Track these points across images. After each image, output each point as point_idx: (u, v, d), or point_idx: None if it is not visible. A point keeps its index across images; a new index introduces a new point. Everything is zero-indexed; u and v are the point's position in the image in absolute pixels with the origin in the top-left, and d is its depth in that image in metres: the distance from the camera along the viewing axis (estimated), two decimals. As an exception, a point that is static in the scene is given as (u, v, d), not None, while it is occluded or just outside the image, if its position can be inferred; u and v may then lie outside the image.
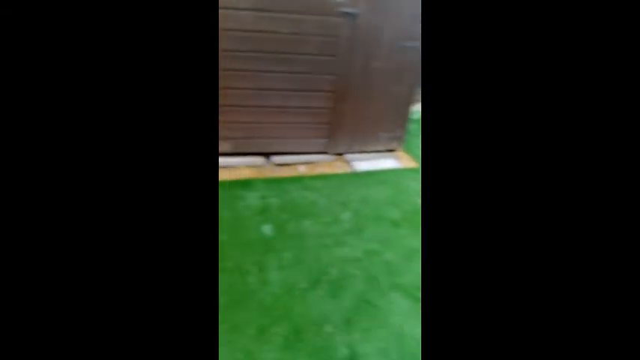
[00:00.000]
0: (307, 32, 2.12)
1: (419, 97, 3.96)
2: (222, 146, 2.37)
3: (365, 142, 2.68)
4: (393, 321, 1.41)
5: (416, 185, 2.44)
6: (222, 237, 1.76)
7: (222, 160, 2.39)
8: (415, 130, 3.39)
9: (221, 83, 2.14)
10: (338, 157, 2.67)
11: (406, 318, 1.43)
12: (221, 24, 1.95)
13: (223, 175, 2.30)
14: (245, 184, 2.22)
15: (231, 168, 2.40)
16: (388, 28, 2.30)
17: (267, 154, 2.51)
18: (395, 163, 2.72)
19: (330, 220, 1.98)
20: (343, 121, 2.51)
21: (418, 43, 2.41)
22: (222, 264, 1.60)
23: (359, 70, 2.35)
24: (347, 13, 2.12)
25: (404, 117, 2.70)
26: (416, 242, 1.88)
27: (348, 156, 2.67)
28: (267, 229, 1.86)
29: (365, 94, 2.47)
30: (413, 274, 1.67)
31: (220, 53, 2.04)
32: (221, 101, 2.20)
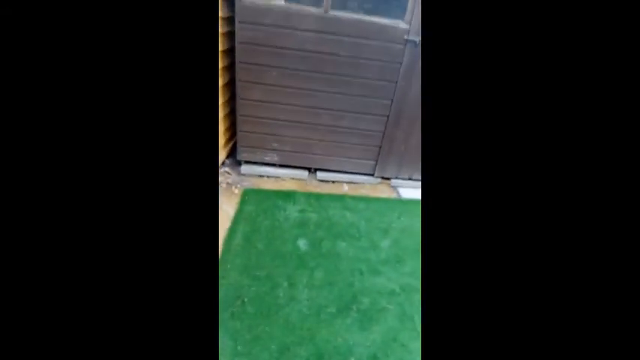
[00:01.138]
0: (367, 57, 2.13)
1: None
2: (270, 157, 2.44)
3: (416, 170, 2.58)
4: (424, 368, 1.28)
5: (465, 222, 2.27)
6: (259, 245, 1.77)
7: (268, 170, 2.45)
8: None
9: (276, 98, 2.23)
10: (384, 180, 2.59)
11: (440, 368, 1.28)
12: (281, 42, 2.05)
13: (268, 185, 2.36)
14: (287, 195, 2.24)
15: (277, 179, 2.45)
16: (452, 57, 2.24)
17: (312, 170, 2.53)
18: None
19: (368, 245, 1.91)
20: (394, 146, 2.45)
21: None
22: (255, 272, 1.60)
23: (416, 98, 2.30)
24: (410, 41, 2.10)
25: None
26: (459, 284, 1.72)
27: (395, 181, 2.58)
28: (302, 243, 1.83)
29: (420, 122, 2.39)
30: (453, 319, 1.51)
31: (279, 70, 2.13)
32: (274, 115, 2.29)
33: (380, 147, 2.45)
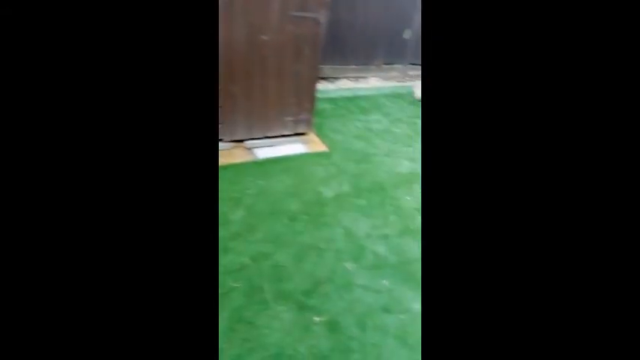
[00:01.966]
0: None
1: (324, 74, 3.75)
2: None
3: (267, 127, 2.39)
4: (270, 341, 1.21)
5: (322, 172, 2.26)
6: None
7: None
8: (328, 110, 3.20)
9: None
10: (237, 144, 2.35)
11: (286, 335, 1.23)
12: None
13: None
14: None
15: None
16: (278, -6, 2.00)
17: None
18: (303, 148, 2.49)
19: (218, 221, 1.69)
20: (237, 103, 2.18)
21: (313, 14, 2.15)
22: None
23: (245, 45, 2.02)
24: (222, -28, 1.75)
25: (309, 98, 2.46)
26: (310, 238, 1.69)
27: (250, 142, 2.37)
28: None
29: (257, 73, 2.16)
30: (302, 276, 1.48)
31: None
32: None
33: (221, 107, 2.15)
